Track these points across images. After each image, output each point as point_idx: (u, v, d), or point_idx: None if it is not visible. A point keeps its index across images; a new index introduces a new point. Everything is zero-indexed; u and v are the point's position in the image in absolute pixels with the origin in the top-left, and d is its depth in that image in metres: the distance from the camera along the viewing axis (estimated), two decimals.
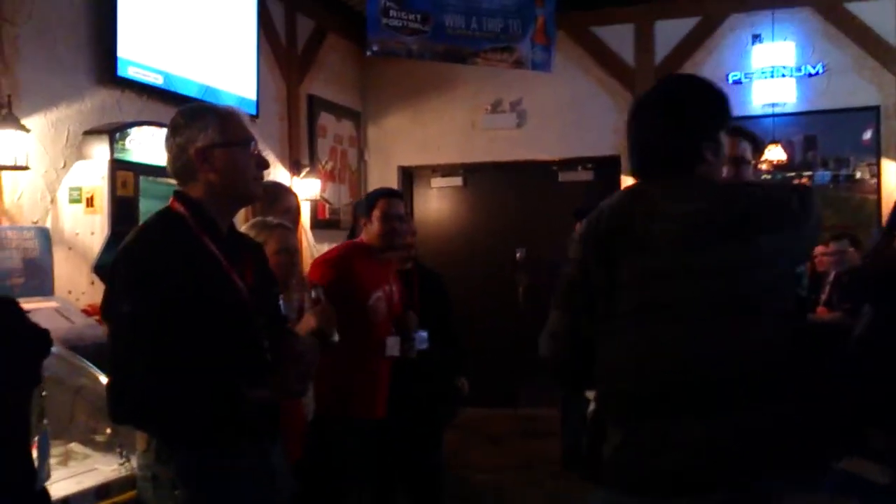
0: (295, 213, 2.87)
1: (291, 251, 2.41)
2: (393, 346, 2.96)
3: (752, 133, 2.30)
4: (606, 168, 5.71)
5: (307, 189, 5.15)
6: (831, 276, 4.64)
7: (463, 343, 3.65)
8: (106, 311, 1.67)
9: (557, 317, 1.55)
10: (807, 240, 1.55)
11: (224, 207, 1.72)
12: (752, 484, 1.42)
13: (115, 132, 3.32)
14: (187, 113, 1.72)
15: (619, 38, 5.70)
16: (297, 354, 1.72)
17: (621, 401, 1.50)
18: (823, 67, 5.27)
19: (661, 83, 1.61)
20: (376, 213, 2.93)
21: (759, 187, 1.90)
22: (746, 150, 2.19)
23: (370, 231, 2.96)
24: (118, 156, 3.30)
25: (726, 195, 1.51)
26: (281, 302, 1.87)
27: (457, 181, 6.25)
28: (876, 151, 5.23)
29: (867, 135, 5.29)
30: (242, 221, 2.68)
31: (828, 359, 1.93)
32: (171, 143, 1.70)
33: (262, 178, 1.76)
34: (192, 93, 4.00)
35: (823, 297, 4.64)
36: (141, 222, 1.77)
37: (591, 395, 1.63)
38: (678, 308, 1.43)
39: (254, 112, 4.50)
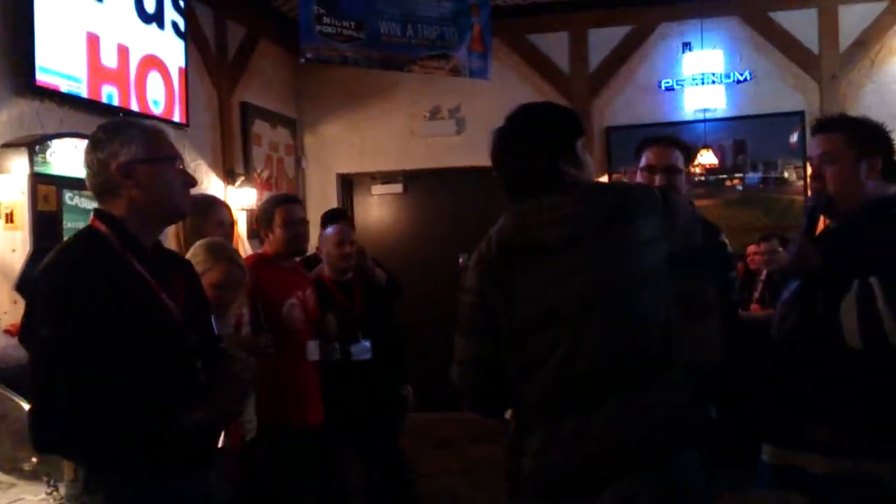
0: (229, 226, 2.79)
1: (231, 289, 2.35)
2: (313, 350, 2.94)
3: (684, 142, 2.35)
4: None
5: (243, 198, 5.03)
6: (763, 275, 4.83)
7: (407, 350, 3.63)
8: (25, 334, 1.58)
9: (462, 344, 1.61)
10: (684, 229, 1.61)
11: (148, 225, 1.66)
12: (669, 459, 1.48)
13: (34, 145, 3.17)
14: (109, 127, 1.66)
15: (554, 45, 5.77)
16: (232, 375, 1.67)
17: (537, 405, 1.54)
18: (751, 74, 5.45)
19: (514, 114, 1.73)
20: (277, 221, 2.90)
21: (621, 183, 2.06)
22: (679, 159, 2.24)
23: (273, 240, 2.93)
24: (38, 169, 3.15)
25: (595, 193, 1.62)
26: (213, 320, 1.82)
27: (397, 188, 6.22)
28: (802, 154, 5.42)
29: (793, 138, 5.49)
30: (172, 236, 2.59)
31: (760, 353, 1.99)
32: (92, 159, 1.64)
33: (188, 194, 1.71)
34: (117, 102, 3.84)
35: (756, 294, 4.83)
36: (65, 238, 1.69)
37: (508, 414, 1.66)
38: (573, 305, 1.50)
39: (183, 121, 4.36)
